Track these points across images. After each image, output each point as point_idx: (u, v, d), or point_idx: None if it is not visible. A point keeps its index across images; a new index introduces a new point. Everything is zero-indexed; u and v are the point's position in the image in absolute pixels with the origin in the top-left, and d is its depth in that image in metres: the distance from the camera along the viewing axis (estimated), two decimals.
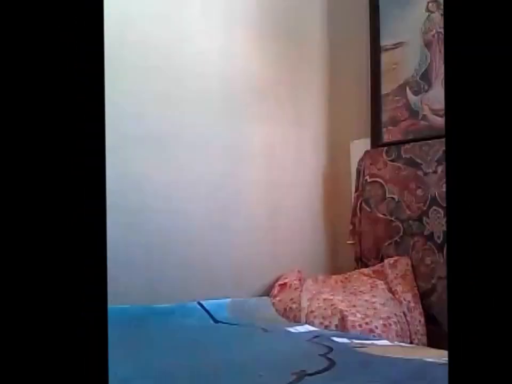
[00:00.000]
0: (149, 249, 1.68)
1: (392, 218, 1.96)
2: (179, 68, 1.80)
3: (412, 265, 1.86)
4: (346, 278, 1.94)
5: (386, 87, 2.09)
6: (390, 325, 1.62)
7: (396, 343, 1.45)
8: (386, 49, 2.10)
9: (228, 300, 1.67)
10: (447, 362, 0.34)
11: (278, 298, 1.82)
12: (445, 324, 0.57)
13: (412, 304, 1.73)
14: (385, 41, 2.11)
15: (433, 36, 1.95)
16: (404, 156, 1.97)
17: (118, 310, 1.39)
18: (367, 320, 1.60)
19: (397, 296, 1.75)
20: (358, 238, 2.06)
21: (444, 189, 1.56)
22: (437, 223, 1.81)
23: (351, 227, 2.10)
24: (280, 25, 2.12)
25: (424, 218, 1.85)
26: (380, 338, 1.52)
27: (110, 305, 1.20)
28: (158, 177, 1.73)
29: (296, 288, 1.84)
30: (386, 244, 1.97)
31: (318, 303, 1.69)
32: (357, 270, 2.00)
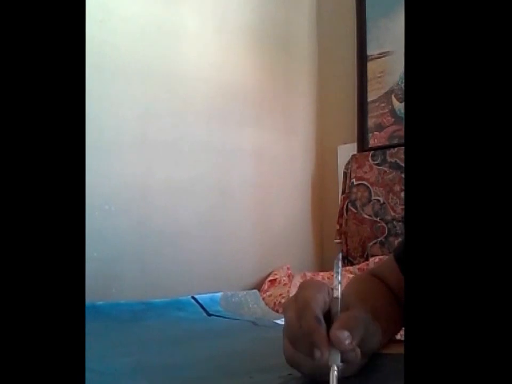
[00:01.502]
0: (145, 247, 1.67)
1: (377, 219, 1.96)
2: (176, 75, 1.79)
3: None
4: (333, 275, 1.91)
5: (372, 94, 2.09)
6: None
7: None
8: (373, 58, 2.11)
9: (220, 293, 1.65)
10: None
11: (268, 293, 1.81)
12: None
13: None
14: (371, 51, 2.11)
15: None
16: (389, 160, 1.97)
17: (115, 305, 1.37)
18: None
19: None
20: (345, 237, 2.06)
21: None
22: None
23: (338, 227, 2.10)
24: (270, 34, 2.12)
25: None
26: None
27: (107, 300, 1.18)
28: (155, 177, 1.71)
29: (285, 284, 1.84)
30: (371, 243, 1.97)
31: None
32: (343, 268, 1.98)
